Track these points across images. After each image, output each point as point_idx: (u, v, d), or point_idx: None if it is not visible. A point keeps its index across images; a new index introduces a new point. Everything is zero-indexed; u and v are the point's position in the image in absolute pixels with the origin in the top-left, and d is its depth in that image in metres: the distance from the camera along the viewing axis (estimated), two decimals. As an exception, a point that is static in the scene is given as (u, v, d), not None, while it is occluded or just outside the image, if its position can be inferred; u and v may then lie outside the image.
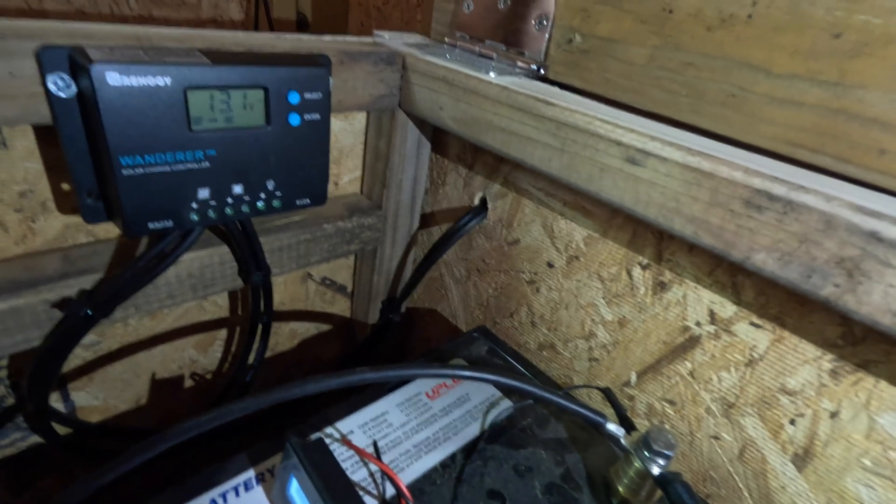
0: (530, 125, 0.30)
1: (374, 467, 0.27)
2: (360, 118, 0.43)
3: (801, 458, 0.28)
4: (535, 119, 0.30)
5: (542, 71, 0.36)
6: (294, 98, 0.30)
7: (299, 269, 0.46)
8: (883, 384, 0.24)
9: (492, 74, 0.34)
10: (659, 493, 0.27)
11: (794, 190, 0.21)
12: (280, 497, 0.25)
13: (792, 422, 0.28)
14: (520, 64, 0.37)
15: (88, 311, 0.30)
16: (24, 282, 0.30)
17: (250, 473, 0.26)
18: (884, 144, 0.23)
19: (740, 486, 0.31)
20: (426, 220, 0.50)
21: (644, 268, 0.33)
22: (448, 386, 0.35)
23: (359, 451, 0.28)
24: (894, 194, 0.23)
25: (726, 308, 0.29)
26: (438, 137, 0.46)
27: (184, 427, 0.22)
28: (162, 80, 0.25)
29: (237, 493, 0.25)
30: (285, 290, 0.48)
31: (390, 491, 0.27)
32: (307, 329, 0.53)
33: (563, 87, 0.35)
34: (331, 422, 0.30)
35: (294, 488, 0.24)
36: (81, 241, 0.34)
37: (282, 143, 0.31)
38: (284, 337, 0.51)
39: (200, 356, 0.45)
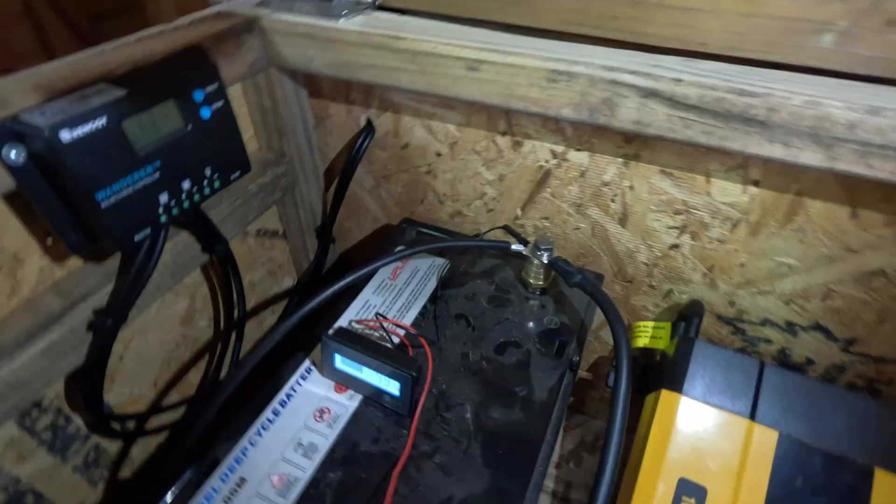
0: (391, 59, 0.39)
1: (387, 326, 0.40)
2: (236, 86, 0.48)
3: (623, 219, 0.45)
4: (394, 53, 0.39)
5: (378, 1, 0.44)
6: (199, 96, 0.36)
7: (242, 231, 0.53)
8: (646, 162, 0.41)
9: (342, 21, 0.41)
10: (552, 272, 0.44)
11: (570, 65, 0.34)
12: (331, 372, 0.37)
13: (612, 200, 0.44)
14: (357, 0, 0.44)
15: (110, 322, 0.37)
16: (42, 321, 0.35)
17: (306, 363, 0.38)
18: (615, 11, 0.36)
19: (597, 251, 0.49)
20: (324, 152, 0.58)
21: (503, 135, 0.46)
22: (400, 267, 0.47)
23: (372, 324, 0.41)
24: (629, 46, 0.36)
25: (559, 146, 0.43)
26: (311, 80, 0.52)
27: (259, 349, 0.32)
28: (100, 122, 0.30)
29: (302, 380, 0.37)
30: (234, 252, 0.55)
31: (396, 340, 0.40)
32: (261, 276, 0.61)
33: (399, 11, 0.44)
34: (335, 319, 0.42)
35: (339, 361, 0.36)
36: (59, 276, 0.39)
37: (203, 136, 0.37)
38: (247, 289, 0.59)
39: (187, 329, 0.52)
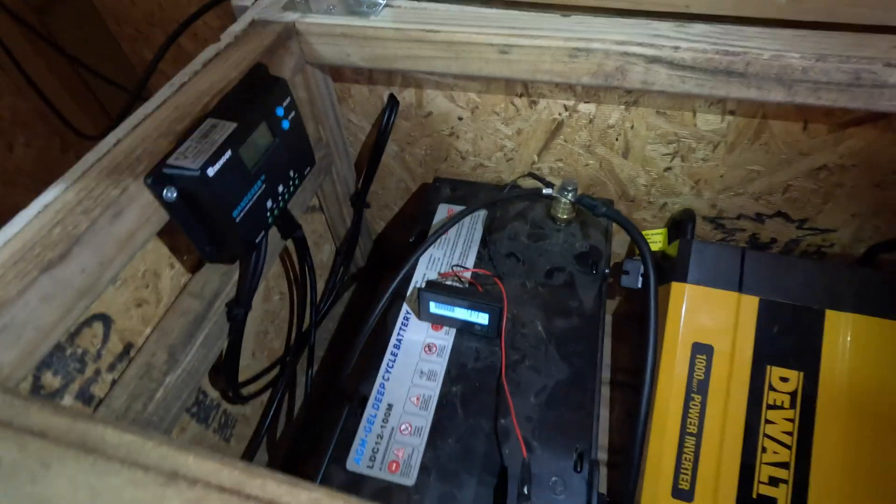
0: (428, 49, 0.46)
1: (461, 273, 0.50)
2: (275, 84, 0.53)
3: (626, 153, 0.55)
4: (431, 44, 0.45)
5: (396, -11, 0.49)
6: (280, 111, 0.42)
7: (302, 213, 0.60)
8: (644, 107, 0.50)
9: (373, 18, 0.46)
10: (576, 206, 0.54)
11: (588, 42, 0.41)
12: (427, 316, 0.47)
13: (616, 139, 0.54)
14: (379, -10, 0.48)
15: (242, 312, 0.45)
16: (193, 321, 0.43)
17: (403, 311, 0.48)
18: (613, -14, 0.43)
19: (604, 180, 0.59)
20: (349, 129, 0.63)
21: (520, 96, 0.53)
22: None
23: (450, 275, 0.50)
24: (629, 13, 0.44)
25: (570, 101, 0.52)
26: (335, 68, 0.56)
27: (375, 308, 0.42)
28: (227, 154, 0.37)
29: (405, 326, 0.47)
30: (291, 232, 0.62)
31: (465, 283, 0.50)
32: (313, 244, 0.68)
33: (417, -4, 0.49)
34: (411, 275, 0.51)
35: (433, 307, 0.46)
36: (184, 281, 0.46)
37: (286, 144, 0.43)
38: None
39: (267, 305, 0.61)
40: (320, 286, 0.72)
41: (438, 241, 0.54)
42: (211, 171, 0.35)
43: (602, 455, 0.65)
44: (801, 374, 0.49)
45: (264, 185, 0.41)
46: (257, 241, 0.42)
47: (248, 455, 0.60)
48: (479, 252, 0.54)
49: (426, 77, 0.54)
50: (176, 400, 0.41)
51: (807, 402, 0.48)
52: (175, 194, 0.36)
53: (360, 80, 0.57)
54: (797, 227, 0.56)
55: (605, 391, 0.72)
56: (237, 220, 0.39)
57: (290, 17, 0.48)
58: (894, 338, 0.47)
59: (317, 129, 0.57)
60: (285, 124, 0.43)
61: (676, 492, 0.48)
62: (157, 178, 0.35)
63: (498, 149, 0.59)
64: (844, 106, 0.40)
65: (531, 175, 0.58)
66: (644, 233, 0.62)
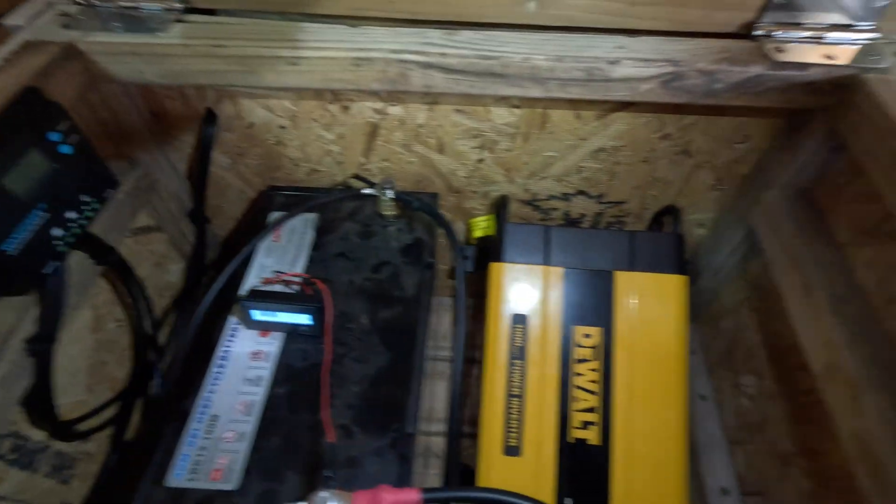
0: (220, 63, 0.46)
1: (285, 278, 0.51)
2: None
3: (441, 149, 0.59)
4: (222, 59, 0.46)
5: (187, 3, 0.49)
6: (55, 136, 0.41)
7: (122, 237, 0.57)
8: (444, 106, 0.54)
9: (161, 35, 0.46)
10: (398, 203, 0.57)
11: (367, 52, 0.45)
12: (252, 324, 0.48)
13: (429, 137, 0.58)
14: (165, 6, 0.48)
15: (45, 345, 0.43)
16: (-17, 363, 0.41)
17: (231, 322, 0.49)
18: (390, -2, 0.46)
19: (429, 176, 0.63)
20: (173, 145, 0.62)
21: (331, 103, 0.55)
22: (279, 230, 0.57)
23: (273, 281, 0.52)
24: (406, 23, 0.48)
25: (378, 104, 0.55)
26: (145, 85, 0.55)
27: (190, 326, 0.42)
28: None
29: (232, 336, 0.48)
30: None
31: (295, 288, 0.52)
32: (149, 270, 0.66)
33: (209, 11, 0.49)
34: (240, 286, 0.52)
35: (257, 315, 0.48)
36: (-27, 323, 0.43)
37: (71, 169, 0.42)
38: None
39: (99, 335, 0.58)
40: (165, 305, 0.70)
41: (267, 248, 0.55)
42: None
43: (467, 428, 0.70)
44: (601, 329, 0.56)
45: (47, 214, 0.40)
46: (46, 272, 0.41)
47: (97, 493, 0.57)
48: (310, 255, 0.55)
49: (237, 89, 0.55)
50: (-31, 449, 0.39)
51: (606, 352, 0.55)
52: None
53: (172, 95, 0.56)
54: (597, 202, 0.65)
55: (466, 368, 0.78)
56: (12, 253, 0.37)
57: (71, 36, 0.46)
58: (664, 287, 0.56)
59: (129, 148, 0.56)
60: (65, 149, 0.42)
61: (507, 449, 0.54)
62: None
63: (325, 154, 0.62)
64: (589, 98, 0.47)
65: (356, 176, 0.60)
66: (474, 220, 0.67)
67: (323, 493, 0.34)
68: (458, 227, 0.71)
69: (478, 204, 0.67)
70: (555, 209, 0.67)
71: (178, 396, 0.45)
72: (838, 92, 0.44)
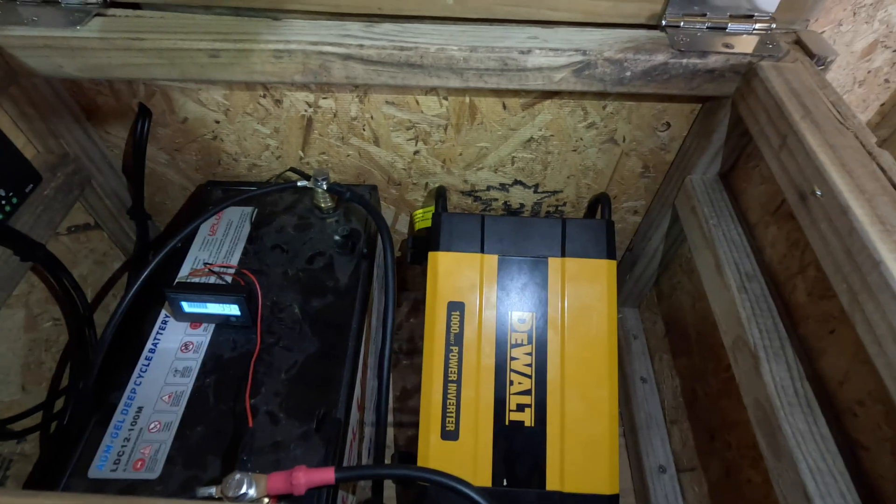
0: (140, 57, 0.46)
1: (216, 269, 0.52)
2: (-11, 101, 0.50)
3: (376, 141, 0.60)
4: (141, 52, 0.46)
5: (108, -1, 0.49)
6: (-35, 129, 0.40)
7: (54, 233, 0.57)
8: (373, 97, 0.55)
9: (80, 29, 0.46)
10: (334, 196, 0.58)
11: (287, 44, 0.45)
12: (182, 316, 0.49)
13: (363, 129, 0.59)
14: (86, 0, 0.48)
15: (-37, 342, 0.43)
16: None
17: (161, 315, 0.49)
18: (311, -9, 0.47)
19: (369, 168, 0.64)
20: (108, 141, 0.62)
21: (263, 97, 0.56)
22: (216, 223, 0.58)
23: (203, 272, 0.52)
24: (328, 15, 0.48)
25: (310, 97, 0.56)
26: (73, 80, 0.55)
27: (113, 319, 0.42)
28: None
29: (162, 328, 0.48)
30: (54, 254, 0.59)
31: (228, 279, 0.52)
32: (89, 268, 0.66)
33: (132, 5, 0.49)
34: (174, 279, 0.52)
35: (186, 306, 0.48)
36: None
37: (-16, 162, 0.42)
38: (80, 282, 0.64)
39: (34, 333, 0.57)
40: (113, 303, 0.69)
41: (203, 242, 0.55)
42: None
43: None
44: (534, 313, 0.58)
45: None
46: (-40, 266, 0.41)
47: (33, 493, 0.56)
48: (245, 248, 0.56)
49: (168, 84, 0.55)
50: None
51: (540, 336, 0.57)
52: None
53: (103, 90, 0.56)
54: (534, 191, 0.66)
55: (411, 361, 0.79)
56: None
57: (-18, 29, 0.46)
58: (594, 272, 0.57)
59: (56, 143, 0.55)
60: (-23, 143, 0.41)
61: (445, 433, 0.55)
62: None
63: (264, 148, 0.62)
64: (507, 87, 0.48)
65: (292, 170, 0.61)
66: (417, 211, 0.68)
67: (237, 476, 0.35)
68: (403, 220, 0.72)
69: (419, 195, 0.68)
70: (494, 199, 0.68)
71: (105, 389, 0.45)
72: (739, 79, 0.46)
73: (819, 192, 0.35)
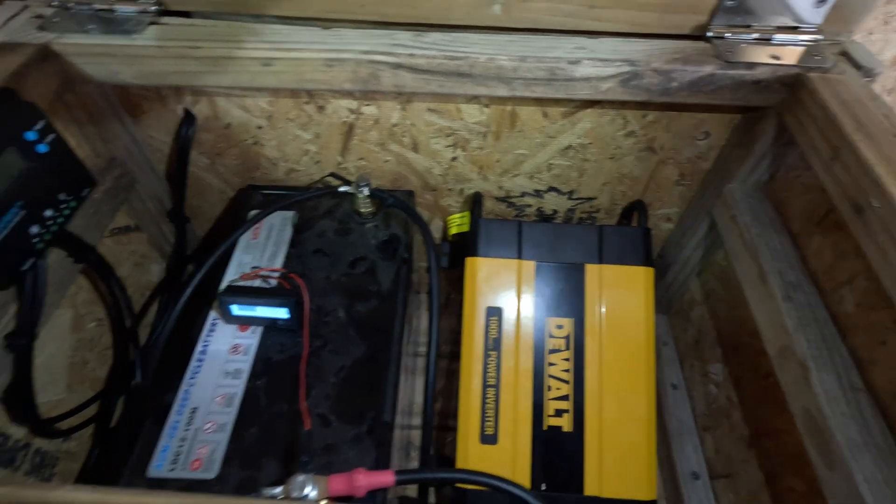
0: (194, 65, 0.47)
1: (263, 273, 0.52)
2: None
3: (415, 147, 0.61)
4: (196, 60, 0.47)
5: (161, 6, 0.50)
6: (31, 136, 0.41)
7: (101, 236, 0.58)
8: (416, 105, 0.56)
9: (136, 37, 0.47)
10: (374, 200, 0.59)
11: (339, 53, 0.46)
12: (231, 319, 0.50)
13: (403, 136, 0.60)
14: (140, 8, 0.49)
15: (24, 341, 0.44)
16: None
17: (211, 318, 0.50)
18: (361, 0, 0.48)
19: (405, 174, 0.65)
20: (152, 145, 0.63)
21: (307, 103, 0.57)
22: (258, 227, 0.58)
23: (251, 275, 0.53)
24: (376, 24, 0.49)
25: (353, 104, 0.56)
26: (121, 85, 0.56)
27: (167, 323, 0.43)
28: None
29: (212, 331, 0.49)
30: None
31: (273, 283, 0.53)
32: (129, 270, 0.67)
33: (184, 14, 0.50)
34: (220, 282, 0.53)
35: (236, 309, 0.49)
36: None
37: (47, 168, 0.43)
38: (121, 285, 0.65)
39: (79, 334, 0.59)
40: (152, 306, 0.70)
41: (246, 246, 0.56)
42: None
43: (452, 421, 0.72)
44: (572, 320, 0.58)
45: (24, 212, 0.41)
46: (24, 269, 0.42)
47: (77, 491, 0.57)
48: (288, 252, 0.57)
49: (214, 89, 0.56)
50: (-53, 445, 0.39)
51: (578, 342, 0.58)
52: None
53: (150, 96, 0.57)
54: (568, 198, 0.67)
55: (444, 364, 0.79)
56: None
57: (46, 37, 0.47)
58: (631, 279, 0.58)
59: (106, 148, 0.56)
60: (42, 148, 0.42)
61: (484, 438, 0.55)
62: None
63: (303, 153, 0.63)
64: (553, 97, 0.49)
65: (333, 175, 0.62)
66: (451, 217, 0.69)
67: (300, 478, 0.36)
68: (437, 225, 0.73)
69: (453, 201, 0.69)
70: (528, 206, 0.69)
71: (159, 390, 0.46)
72: (785, 90, 0.47)
73: (877, 205, 0.35)
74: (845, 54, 0.47)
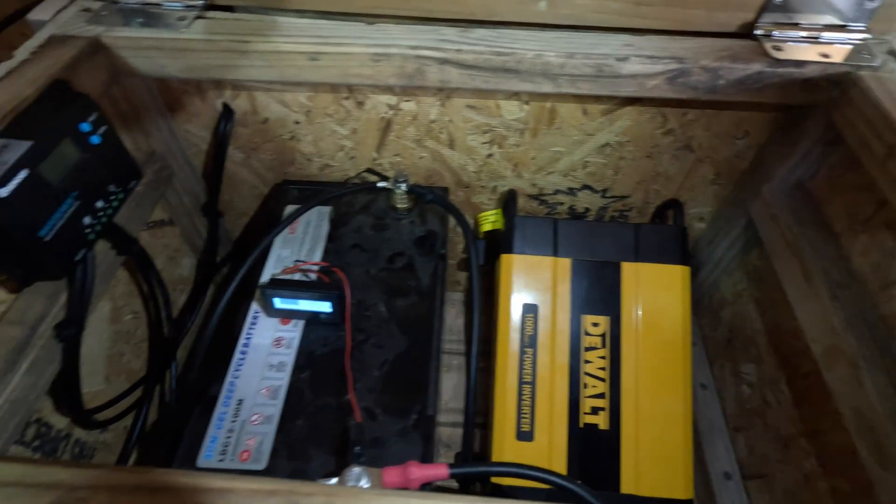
0: (241, 59, 0.48)
1: (304, 267, 0.53)
2: (91, 99, 0.51)
3: (451, 144, 0.61)
4: (243, 55, 0.47)
5: (207, 0, 0.50)
6: (86, 127, 0.42)
7: (141, 229, 0.58)
8: (455, 102, 0.56)
9: (184, 30, 0.48)
10: (412, 195, 0.59)
11: (386, 48, 0.46)
12: (273, 312, 0.50)
13: (440, 132, 0.60)
14: (186, 3, 0.49)
15: (73, 331, 0.44)
16: (14, 349, 0.42)
17: (252, 310, 0.50)
18: (407, -3, 0.48)
19: (439, 170, 0.65)
20: (189, 139, 0.63)
21: (346, 99, 0.57)
22: (296, 222, 0.59)
23: (292, 270, 0.53)
24: (421, 20, 0.49)
25: (392, 100, 0.57)
26: (162, 79, 0.56)
27: (212, 317, 0.43)
28: (23, 173, 0.36)
29: (254, 324, 0.49)
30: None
31: (313, 277, 0.53)
32: (163, 263, 0.67)
33: (229, 8, 0.51)
34: (259, 276, 0.53)
35: (278, 302, 0.49)
36: (2, 310, 0.44)
37: (100, 160, 0.43)
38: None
39: (117, 325, 0.59)
40: (182, 300, 0.71)
41: (284, 241, 0.57)
42: (3, 192, 0.35)
43: (479, 419, 0.72)
44: (608, 318, 0.58)
45: (78, 202, 0.41)
46: (77, 259, 0.42)
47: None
48: (325, 247, 0.57)
49: (254, 84, 0.56)
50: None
51: (614, 340, 0.57)
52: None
53: (190, 90, 0.58)
54: (601, 196, 0.67)
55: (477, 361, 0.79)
56: (47, 239, 0.38)
57: (95, 30, 0.47)
58: (668, 277, 0.58)
59: (147, 141, 0.57)
60: (95, 139, 0.43)
61: (520, 434, 0.55)
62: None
63: (339, 149, 0.63)
64: (598, 93, 0.49)
65: (369, 171, 0.62)
66: (483, 214, 0.69)
67: (356, 469, 0.36)
68: (468, 222, 0.73)
69: (486, 198, 0.69)
70: (560, 203, 0.69)
71: (204, 382, 0.46)
72: (834, 88, 0.46)
73: (938, 203, 0.35)
74: (893, 53, 0.47)
